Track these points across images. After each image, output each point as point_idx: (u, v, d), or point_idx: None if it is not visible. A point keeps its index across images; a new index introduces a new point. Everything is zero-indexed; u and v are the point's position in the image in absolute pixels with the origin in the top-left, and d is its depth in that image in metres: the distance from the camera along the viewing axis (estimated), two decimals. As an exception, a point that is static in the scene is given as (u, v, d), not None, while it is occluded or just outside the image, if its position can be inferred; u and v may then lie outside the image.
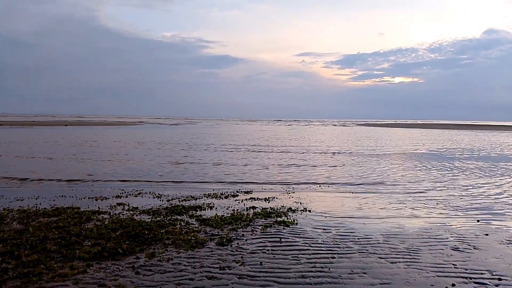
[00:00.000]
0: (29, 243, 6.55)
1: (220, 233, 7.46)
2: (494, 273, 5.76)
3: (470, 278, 5.59)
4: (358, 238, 7.33)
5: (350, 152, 25.96)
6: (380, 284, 5.33)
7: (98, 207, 9.55)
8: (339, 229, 7.96)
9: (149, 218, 8.48)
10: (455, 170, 17.68)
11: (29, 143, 29.50)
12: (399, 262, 6.15)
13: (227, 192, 11.87)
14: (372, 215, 9.23)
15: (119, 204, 9.91)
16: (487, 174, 16.68)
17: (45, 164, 17.64)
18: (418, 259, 6.29)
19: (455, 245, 7.02)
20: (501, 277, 5.62)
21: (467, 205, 10.47)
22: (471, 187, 13.30)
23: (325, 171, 16.81)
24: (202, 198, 10.91)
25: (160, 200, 10.50)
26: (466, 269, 5.89)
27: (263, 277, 5.50)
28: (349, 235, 7.52)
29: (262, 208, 9.56)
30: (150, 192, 11.61)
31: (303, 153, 25.15)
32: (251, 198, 11.02)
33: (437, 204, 10.59)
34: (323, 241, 7.11)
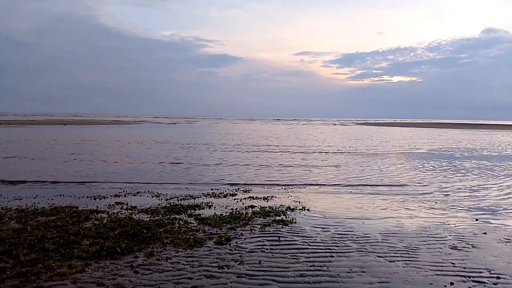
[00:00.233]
0: (27, 242, 6.54)
1: (218, 232, 7.46)
2: (492, 272, 5.77)
3: (469, 276, 5.59)
4: (357, 237, 7.34)
5: (350, 152, 25.98)
6: (379, 282, 5.33)
7: (97, 206, 9.54)
8: (337, 228, 7.96)
9: (147, 217, 8.47)
10: (454, 170, 17.70)
11: (27, 142, 29.43)
12: (398, 260, 6.15)
13: (226, 191, 11.87)
14: (371, 214, 9.24)
15: (117, 203, 9.89)
16: (486, 173, 16.71)
17: (42, 165, 17.60)
18: (417, 257, 6.30)
19: (454, 244, 7.02)
20: (500, 276, 5.63)
21: (465, 204, 10.48)
22: (470, 186, 13.32)
23: (325, 171, 16.81)
24: (201, 197, 10.90)
25: (159, 199, 10.49)
26: (465, 268, 5.90)
27: (261, 276, 5.49)
28: (348, 234, 7.52)
29: (261, 207, 9.56)
30: (148, 191, 11.59)
31: (302, 152, 25.16)
32: (250, 197, 11.02)
33: (435, 203, 10.61)
34: (322, 240, 7.11)
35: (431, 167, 18.25)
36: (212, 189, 12.11)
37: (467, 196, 11.65)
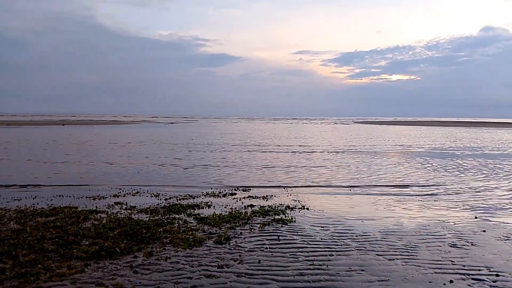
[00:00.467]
0: (27, 243, 6.53)
1: (218, 232, 7.46)
2: (491, 269, 5.78)
3: (468, 274, 5.60)
4: (356, 236, 7.34)
5: (350, 151, 25.98)
6: (378, 281, 5.34)
7: (96, 206, 9.53)
8: (337, 226, 7.97)
9: (147, 217, 8.46)
10: (454, 168, 17.71)
11: (27, 143, 29.40)
12: (397, 259, 6.16)
13: (225, 190, 11.86)
14: (370, 213, 9.24)
15: (116, 203, 9.88)
16: (486, 171, 16.72)
17: (42, 167, 17.58)
18: (416, 256, 6.31)
19: (453, 242, 7.03)
20: (499, 273, 5.64)
21: (465, 202, 10.50)
22: (469, 184, 13.33)
23: (325, 170, 16.81)
24: (200, 196, 10.90)
25: (158, 199, 10.49)
26: (464, 266, 5.91)
27: (261, 275, 5.50)
28: (347, 233, 7.53)
29: (260, 206, 9.56)
30: (148, 191, 11.59)
31: (302, 152, 25.15)
32: (249, 196, 11.02)
33: (435, 201, 10.62)
34: (321, 239, 7.12)
35: (431, 166, 18.26)
36: (211, 189, 12.11)
37: (467, 194, 11.66)
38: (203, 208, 9.46)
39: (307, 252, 6.42)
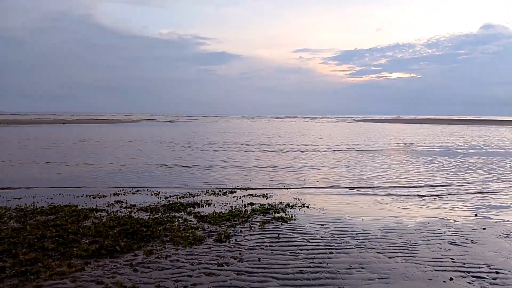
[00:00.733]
0: (27, 241, 6.54)
1: (218, 230, 7.46)
2: (491, 267, 5.78)
3: (468, 272, 5.60)
4: (356, 233, 7.34)
5: (353, 149, 25.97)
6: (378, 279, 5.34)
7: (96, 205, 9.53)
8: (337, 224, 7.97)
9: (147, 216, 8.47)
10: (458, 166, 17.70)
11: (29, 141, 29.39)
12: (397, 256, 6.16)
13: (225, 188, 11.86)
14: (370, 210, 9.25)
15: (117, 201, 9.88)
16: (489, 169, 16.71)
17: (45, 168, 17.56)
18: (416, 253, 6.31)
19: (453, 239, 7.03)
20: (499, 271, 5.64)
21: (465, 200, 10.49)
22: (469, 182, 13.33)
23: (326, 170, 16.80)
24: (200, 195, 10.90)
25: (158, 198, 10.49)
26: (464, 263, 5.91)
27: (261, 273, 5.50)
28: (347, 231, 7.53)
29: (260, 205, 9.56)
30: (148, 190, 11.59)
31: (304, 151, 25.14)
32: (249, 194, 11.02)
33: (434, 199, 10.62)
34: (321, 237, 7.12)
35: (431, 163, 18.25)
36: (211, 187, 12.11)
37: (467, 192, 11.66)
38: (203, 206, 9.46)
39: (307, 250, 6.43)
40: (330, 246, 6.63)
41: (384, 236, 7.22)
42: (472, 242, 6.91)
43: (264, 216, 8.55)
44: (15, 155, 20.15)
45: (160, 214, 8.62)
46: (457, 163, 18.49)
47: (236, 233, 7.27)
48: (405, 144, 29.31)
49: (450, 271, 5.62)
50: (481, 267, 5.77)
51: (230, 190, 11.58)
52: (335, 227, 7.75)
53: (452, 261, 5.99)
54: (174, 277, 5.31)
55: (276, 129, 55.48)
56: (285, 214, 8.68)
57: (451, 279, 5.35)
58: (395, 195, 11.08)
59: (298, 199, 10.43)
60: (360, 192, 11.54)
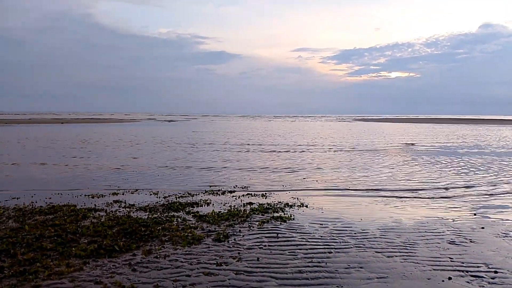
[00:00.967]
0: (25, 241, 6.52)
1: (217, 229, 7.45)
2: (490, 266, 5.79)
3: (467, 271, 5.61)
4: (355, 233, 7.34)
5: (351, 148, 25.97)
6: (377, 278, 5.34)
7: (95, 204, 9.52)
8: (336, 224, 7.97)
9: (145, 215, 8.46)
10: (455, 165, 17.71)
11: (28, 141, 29.35)
12: (396, 256, 6.17)
13: (224, 188, 11.85)
14: (369, 210, 9.25)
15: (115, 201, 9.87)
16: (487, 168, 16.72)
17: (47, 171, 17.54)
18: (415, 253, 6.31)
19: (452, 239, 7.04)
20: (497, 270, 5.64)
21: (464, 199, 10.50)
22: (469, 181, 13.34)
23: (325, 169, 16.81)
24: (199, 194, 10.89)
25: (157, 197, 10.48)
26: (463, 263, 5.91)
27: (260, 272, 5.50)
28: (346, 230, 7.53)
29: (259, 204, 9.56)
30: (146, 189, 11.58)
31: (303, 151, 25.14)
32: (248, 194, 11.01)
33: (433, 198, 10.63)
34: (320, 236, 7.12)
35: (431, 163, 18.25)
36: (210, 186, 12.10)
37: (466, 191, 11.66)
38: (202, 206, 9.45)
39: (306, 249, 6.42)
40: (329, 245, 6.63)
41: (383, 235, 7.22)
42: (471, 242, 6.91)
43: (263, 215, 8.55)
44: (14, 155, 20.12)
45: (159, 213, 8.61)
46: (458, 162, 18.50)
47: (235, 233, 7.27)
48: (406, 143, 29.30)
49: (449, 270, 5.62)
50: (480, 267, 5.78)
51: (229, 190, 11.58)
52: (334, 227, 7.75)
53: (451, 261, 5.99)
54: (173, 276, 5.31)
55: (277, 129, 55.47)
56: (284, 214, 8.68)
57: (450, 278, 5.35)
58: (395, 196, 11.08)
59: (297, 198, 10.43)
60: (359, 192, 11.53)
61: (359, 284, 5.17)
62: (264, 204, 9.60)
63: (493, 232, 7.49)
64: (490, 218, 8.57)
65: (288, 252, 6.31)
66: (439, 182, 13.13)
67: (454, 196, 10.84)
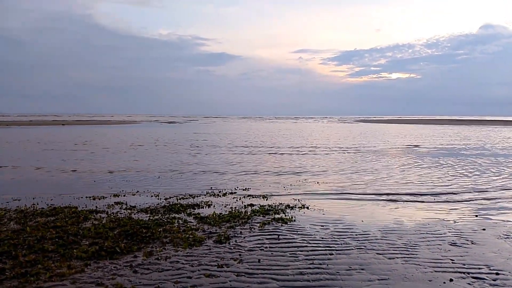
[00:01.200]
0: (27, 243, 6.54)
1: (218, 231, 7.46)
2: (491, 268, 5.78)
3: (468, 273, 5.60)
4: (356, 235, 7.34)
5: (354, 150, 25.96)
6: (378, 280, 5.34)
7: (96, 206, 9.53)
8: (337, 225, 7.96)
9: (147, 217, 8.46)
10: (458, 166, 17.67)
11: (29, 143, 29.39)
12: (397, 257, 6.16)
13: (225, 189, 11.86)
14: (370, 212, 9.24)
15: (116, 203, 9.88)
16: (489, 169, 16.69)
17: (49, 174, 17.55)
18: (416, 254, 6.30)
19: (453, 240, 7.03)
20: (499, 272, 5.63)
21: (465, 200, 10.49)
22: (470, 182, 13.32)
23: (327, 171, 16.80)
24: (200, 196, 10.90)
25: (158, 199, 10.49)
26: (464, 264, 5.91)
27: (261, 274, 5.49)
28: (347, 232, 7.52)
29: (260, 206, 9.56)
30: (148, 191, 11.59)
31: (305, 153, 25.12)
32: (249, 195, 11.01)
33: (434, 199, 10.62)
34: (321, 238, 7.11)
35: (432, 164, 18.23)
36: (211, 188, 12.10)
37: (467, 191, 11.65)
38: (203, 208, 9.45)
39: (307, 251, 6.42)
40: (330, 247, 6.62)
41: (384, 237, 7.21)
42: (472, 243, 6.90)
43: (264, 217, 8.55)
44: (16, 157, 20.16)
45: (160, 215, 8.62)
46: (460, 164, 18.46)
47: (236, 234, 7.27)
48: (409, 145, 29.23)
49: (450, 272, 5.61)
50: (481, 268, 5.77)
51: (230, 191, 11.58)
52: (335, 228, 7.75)
53: (452, 262, 5.98)
54: (174, 278, 5.31)
55: (279, 130, 55.45)
56: (285, 215, 8.68)
57: (451, 280, 5.34)
58: (397, 197, 11.07)
59: (298, 200, 10.42)
60: (360, 194, 11.51)
61: (360, 286, 5.16)
62: (265, 205, 9.60)
63: (494, 234, 7.47)
64: (491, 219, 8.56)
65: (289, 253, 6.30)
66: (442, 184, 13.11)
67: (456, 198, 10.83)
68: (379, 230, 7.62)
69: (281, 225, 7.91)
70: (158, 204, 9.80)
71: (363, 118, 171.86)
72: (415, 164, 18.23)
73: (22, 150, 23.51)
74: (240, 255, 6.22)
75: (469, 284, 5.24)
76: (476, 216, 8.84)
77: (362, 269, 5.69)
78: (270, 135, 41.94)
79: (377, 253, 6.34)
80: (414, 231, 7.61)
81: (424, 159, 20.04)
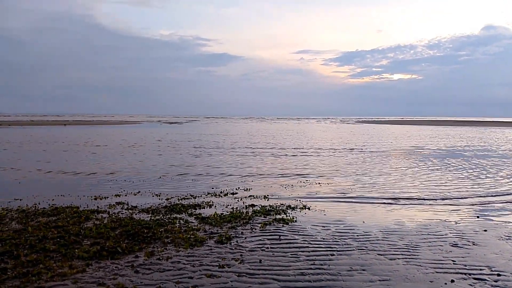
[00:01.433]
0: (28, 242, 6.55)
1: (219, 231, 7.46)
2: (493, 269, 5.77)
3: (469, 274, 5.59)
4: (357, 235, 7.33)
5: (359, 151, 25.94)
6: (379, 280, 5.33)
7: (97, 206, 9.54)
8: (338, 226, 7.96)
9: (148, 217, 8.47)
10: (459, 168, 17.65)
11: (31, 144, 29.45)
12: (398, 258, 6.15)
13: (226, 190, 11.86)
14: (371, 212, 9.23)
15: (118, 203, 9.89)
16: (490, 170, 16.66)
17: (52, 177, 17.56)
18: (417, 255, 6.30)
19: (454, 241, 7.02)
20: (500, 273, 5.62)
21: (467, 202, 10.47)
22: (471, 183, 13.30)
23: (328, 172, 16.79)
24: (201, 196, 10.90)
25: (159, 199, 10.49)
26: (465, 265, 5.90)
27: (262, 274, 5.50)
28: (348, 232, 7.52)
29: (261, 206, 9.56)
30: (149, 191, 11.60)
31: (308, 155, 25.10)
32: (250, 196, 11.01)
33: (435, 200, 10.60)
34: (322, 238, 7.11)
35: (433, 166, 18.21)
36: (212, 188, 12.11)
37: (467, 192, 11.63)
38: (204, 208, 9.46)
39: (308, 251, 6.42)
40: (331, 248, 6.62)
41: (385, 238, 7.20)
42: (474, 244, 6.89)
43: (265, 217, 8.55)
44: (18, 158, 20.21)
45: (161, 215, 8.63)
46: (464, 165, 18.43)
47: (237, 235, 7.27)
48: (412, 146, 29.13)
49: (451, 273, 5.61)
50: (483, 269, 5.76)
51: (232, 192, 11.58)
52: (336, 229, 7.74)
53: (454, 263, 5.97)
54: (175, 278, 5.32)
55: (281, 131, 55.43)
56: (286, 216, 8.68)
57: (452, 281, 5.34)
58: (398, 198, 11.06)
59: (300, 201, 10.42)
60: (362, 195, 11.50)
61: (362, 286, 5.16)
62: (267, 206, 9.60)
63: (496, 235, 7.46)
64: (493, 221, 8.54)
65: (291, 254, 6.30)
66: (445, 185, 13.09)
67: (457, 199, 10.81)
68: (380, 231, 7.61)
69: (282, 226, 7.91)
70: (160, 204, 9.81)
71: (365, 119, 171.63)
72: (419, 165, 18.21)
73: (24, 151, 23.56)
74: (241, 255, 6.22)
75: (470, 285, 5.23)
76: (478, 217, 8.83)
77: (363, 270, 5.68)
78: (273, 136, 41.94)
79: (378, 254, 6.33)
80: (416, 232, 7.61)
81: (427, 161, 20.01)
